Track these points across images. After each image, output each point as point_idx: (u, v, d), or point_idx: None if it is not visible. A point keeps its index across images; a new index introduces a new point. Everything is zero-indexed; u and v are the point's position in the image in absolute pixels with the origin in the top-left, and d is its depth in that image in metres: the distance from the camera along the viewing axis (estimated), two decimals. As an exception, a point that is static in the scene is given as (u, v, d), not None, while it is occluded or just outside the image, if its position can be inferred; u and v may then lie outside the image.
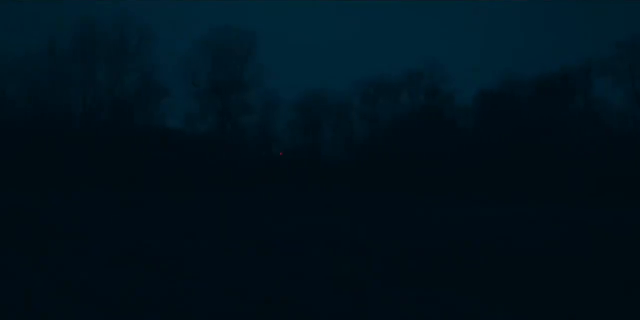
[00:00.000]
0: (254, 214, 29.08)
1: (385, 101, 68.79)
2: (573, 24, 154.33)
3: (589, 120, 60.15)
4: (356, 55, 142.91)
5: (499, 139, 64.94)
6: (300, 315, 9.17)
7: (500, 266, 13.82)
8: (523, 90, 67.74)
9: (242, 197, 43.79)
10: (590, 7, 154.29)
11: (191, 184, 56.17)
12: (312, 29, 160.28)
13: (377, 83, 68.16)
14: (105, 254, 15.03)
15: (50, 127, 58.20)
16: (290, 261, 14.16)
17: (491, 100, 69.14)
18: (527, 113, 65.88)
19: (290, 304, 9.86)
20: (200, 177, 57.59)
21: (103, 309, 9.40)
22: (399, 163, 65.67)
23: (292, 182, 60.99)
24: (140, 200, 37.76)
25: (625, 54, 55.68)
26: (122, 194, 43.39)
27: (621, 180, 53.03)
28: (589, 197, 48.52)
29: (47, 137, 57.32)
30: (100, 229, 20.38)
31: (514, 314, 9.49)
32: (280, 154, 65.11)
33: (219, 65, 60.24)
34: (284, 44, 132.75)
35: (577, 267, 13.85)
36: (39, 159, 56.33)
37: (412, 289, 11.11)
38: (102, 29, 59.31)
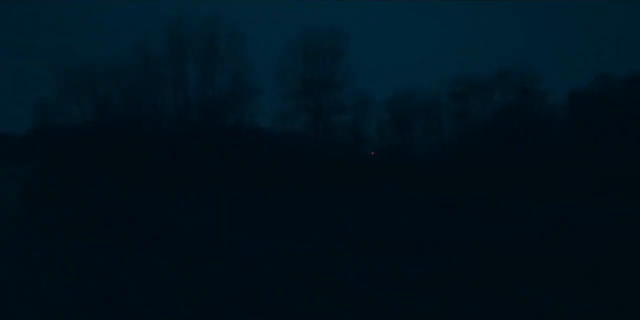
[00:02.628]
0: (351, 214, 28.47)
1: (475, 100, 67.31)
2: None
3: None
4: (445, 54, 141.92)
5: (592, 139, 63.27)
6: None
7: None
8: (615, 89, 65.90)
9: (335, 197, 43.15)
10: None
11: (283, 184, 55.74)
12: (401, 28, 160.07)
13: (467, 81, 66.75)
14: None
15: (142, 128, 58.57)
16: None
17: (583, 100, 67.60)
18: (619, 112, 64.15)
19: None
20: (292, 177, 57.11)
21: None
22: (490, 162, 64.31)
23: (383, 181, 60.11)
24: (233, 200, 37.85)
25: None
26: (214, 193, 43.41)
27: None
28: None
29: (140, 138, 57.66)
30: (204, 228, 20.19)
31: None
32: (372, 153, 64.27)
33: (311, 64, 59.60)
34: (375, 43, 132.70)
35: None
36: (132, 159, 56.72)
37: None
38: (193, 30, 59.27)
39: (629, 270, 12.53)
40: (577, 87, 68.32)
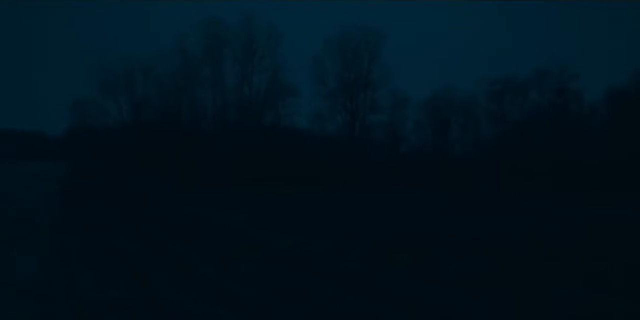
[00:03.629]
0: (388, 213, 28.31)
1: (511, 99, 66.83)
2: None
3: None
4: (481, 54, 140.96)
5: (632, 137, 62.56)
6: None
7: None
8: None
9: (371, 196, 43.04)
10: None
11: (319, 183, 55.66)
12: (436, 28, 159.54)
13: (504, 81, 66.28)
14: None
15: (180, 127, 58.88)
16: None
17: (621, 99, 66.82)
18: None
19: None
20: (328, 176, 57.03)
21: None
22: (527, 162, 63.84)
23: (420, 181, 59.82)
24: (270, 198, 37.68)
25: None
26: (252, 191, 43.48)
27: None
28: None
29: (177, 137, 57.96)
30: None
31: None
32: (408, 153, 64.07)
33: (347, 64, 59.44)
34: (411, 43, 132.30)
35: None
36: (169, 157, 57.05)
37: None
38: (231, 29, 59.40)
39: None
40: (614, 84, 67.40)
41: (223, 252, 15.00)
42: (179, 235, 18.13)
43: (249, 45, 59.05)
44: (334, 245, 16.33)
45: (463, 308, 9.79)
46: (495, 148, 65.33)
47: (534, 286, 11.17)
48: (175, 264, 13.48)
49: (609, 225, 24.18)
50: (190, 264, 13.35)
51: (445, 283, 11.61)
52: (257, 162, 56.16)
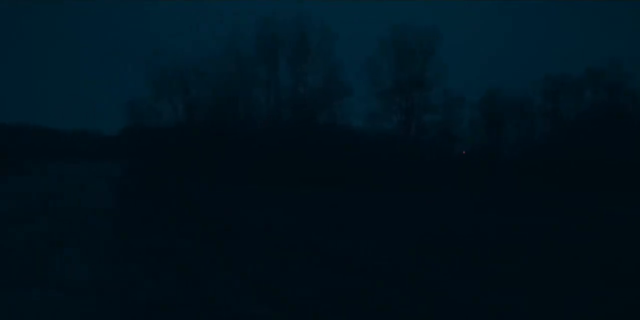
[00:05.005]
0: (444, 214, 27.98)
1: (566, 98, 66.13)
2: None
3: None
4: (534, 53, 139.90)
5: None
6: None
7: None
8: None
9: (426, 197, 42.70)
10: None
11: (374, 183, 55.45)
12: (491, 27, 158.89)
13: (558, 80, 65.65)
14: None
15: (234, 127, 59.09)
16: None
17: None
18: None
19: None
20: (383, 176, 56.79)
21: None
22: (581, 162, 63.00)
23: (473, 181, 59.31)
24: (326, 199, 37.68)
25: None
26: (307, 192, 43.40)
27: None
28: None
29: (232, 137, 58.17)
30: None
31: None
32: (463, 153, 63.59)
33: (402, 63, 59.19)
34: (465, 42, 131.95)
35: None
36: (224, 158, 57.26)
37: None
38: (284, 29, 59.44)
39: None
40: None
41: (272, 252, 14.91)
42: (229, 235, 18.12)
43: (303, 45, 59.06)
44: (383, 246, 16.25)
45: (516, 308, 9.60)
46: (550, 147, 64.66)
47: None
48: (223, 263, 13.46)
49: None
50: (239, 263, 13.28)
51: (498, 284, 11.44)
52: (310, 162, 56.16)
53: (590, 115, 66.44)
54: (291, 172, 55.89)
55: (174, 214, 25.71)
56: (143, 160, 65.76)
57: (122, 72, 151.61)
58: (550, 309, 9.70)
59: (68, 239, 17.13)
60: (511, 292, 10.86)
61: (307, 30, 59.13)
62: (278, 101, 59.08)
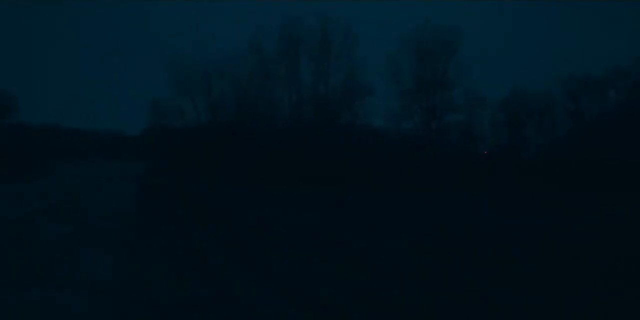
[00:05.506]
0: (466, 214, 27.86)
1: (589, 98, 65.63)
2: None
3: None
4: (556, 52, 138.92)
5: None
6: None
7: None
8: None
9: (448, 196, 42.55)
10: None
11: (396, 183, 55.39)
12: (513, 26, 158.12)
13: (581, 79, 65.19)
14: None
15: (257, 127, 59.29)
16: None
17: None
18: None
19: None
20: (405, 176, 56.70)
21: None
22: (604, 162, 62.47)
23: (495, 181, 59.05)
24: (348, 198, 37.63)
25: None
26: (329, 192, 43.44)
27: None
28: None
29: (254, 137, 58.37)
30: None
31: None
32: (485, 153, 63.35)
33: (424, 63, 59.08)
34: (487, 41, 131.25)
35: None
36: (246, 158, 57.46)
37: None
38: (306, 29, 59.57)
39: None
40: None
41: (297, 252, 14.95)
42: (254, 235, 18.17)
43: (325, 45, 59.17)
44: (407, 245, 16.28)
45: (542, 309, 9.63)
46: (572, 147, 64.22)
47: None
48: (249, 262, 13.52)
49: None
50: (264, 263, 13.35)
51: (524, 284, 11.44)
52: (332, 162, 56.22)
53: (613, 115, 65.93)
54: (313, 172, 55.99)
55: (197, 213, 25.85)
56: (165, 160, 66.18)
57: (145, 73, 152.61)
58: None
59: (93, 238, 17.33)
60: (528, 292, 10.87)
61: (329, 29, 59.28)
62: (300, 101, 59.22)
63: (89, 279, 11.74)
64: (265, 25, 67.78)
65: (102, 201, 32.41)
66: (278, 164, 56.47)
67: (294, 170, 56.09)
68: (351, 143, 56.91)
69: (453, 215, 27.02)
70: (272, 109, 59.84)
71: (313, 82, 59.29)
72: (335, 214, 26.99)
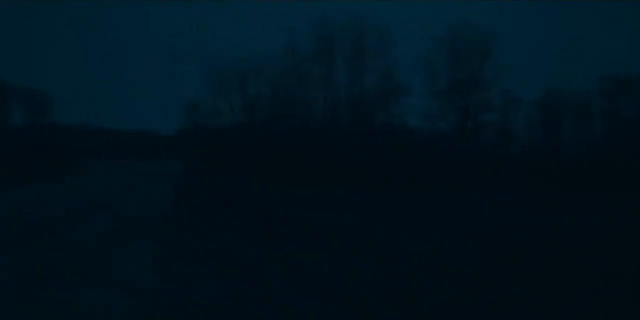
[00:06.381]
0: (503, 215, 27.67)
1: (626, 98, 65.14)
2: None
3: None
4: (593, 51, 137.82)
5: None
6: None
7: None
8: None
9: (484, 197, 42.34)
10: None
11: (431, 184, 55.31)
12: (548, 26, 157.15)
13: (617, 79, 64.66)
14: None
15: (292, 127, 59.53)
16: None
17: None
18: None
19: None
20: (440, 177, 56.61)
21: None
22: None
23: (531, 181, 58.81)
24: (383, 199, 37.62)
25: None
26: (364, 192, 43.43)
27: None
28: None
29: (290, 137, 58.61)
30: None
31: None
32: (519, 153, 63.14)
33: (458, 63, 58.98)
34: (522, 41, 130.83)
35: None
36: (281, 157, 57.72)
37: None
38: (341, 29, 59.69)
39: None
40: None
41: (334, 252, 15.00)
42: (290, 235, 18.23)
43: (360, 45, 59.26)
44: (442, 246, 16.26)
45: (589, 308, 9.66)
46: (608, 147, 63.78)
47: None
48: (286, 262, 13.64)
49: None
50: (301, 263, 13.45)
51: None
52: (368, 163, 56.29)
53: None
54: (348, 172, 56.12)
55: (234, 213, 25.83)
56: (200, 160, 66.69)
57: (181, 73, 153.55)
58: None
59: (130, 238, 17.49)
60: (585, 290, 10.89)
61: (364, 29, 59.35)
62: (335, 101, 59.41)
63: (127, 278, 11.86)
64: (300, 26, 67.99)
65: (137, 201, 32.58)
66: (313, 164, 56.66)
67: (329, 171, 56.26)
68: (386, 143, 56.95)
69: (488, 216, 26.89)
70: (307, 109, 60.07)
71: (348, 82, 59.41)
72: (371, 214, 26.98)
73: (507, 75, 64.00)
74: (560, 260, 14.33)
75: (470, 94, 59.48)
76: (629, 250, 16.52)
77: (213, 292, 10.64)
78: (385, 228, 20.92)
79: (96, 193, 37.72)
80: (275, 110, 60.47)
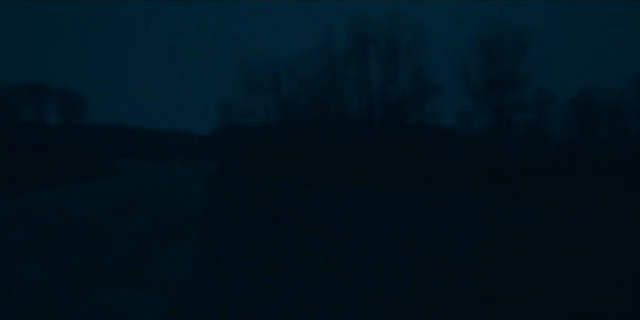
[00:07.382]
0: (536, 215, 27.23)
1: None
2: None
3: None
4: (628, 50, 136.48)
5: None
6: None
7: None
8: None
9: (517, 197, 42.09)
10: None
11: (465, 184, 55.26)
12: (581, 24, 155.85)
13: (653, 78, 64.14)
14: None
15: (326, 127, 59.85)
16: None
17: None
18: None
19: None
20: (474, 177, 56.54)
21: None
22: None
23: (565, 181, 58.47)
24: (417, 199, 37.45)
25: None
26: (400, 192, 43.31)
27: None
28: None
29: (324, 137, 58.93)
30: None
31: None
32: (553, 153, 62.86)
33: (492, 62, 58.87)
34: (557, 40, 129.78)
35: None
36: (316, 157, 58.03)
37: None
38: (376, 29, 59.96)
39: None
40: None
41: (369, 252, 15.03)
42: (324, 234, 18.34)
43: (394, 45, 59.45)
44: (480, 246, 16.26)
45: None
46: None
47: None
48: (321, 262, 13.75)
49: None
50: (336, 263, 13.48)
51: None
52: (403, 162, 56.39)
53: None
54: (384, 172, 56.27)
55: (269, 213, 25.97)
56: (235, 159, 67.25)
57: (218, 72, 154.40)
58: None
59: (165, 239, 17.68)
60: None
61: (399, 29, 59.54)
62: (369, 100, 59.68)
63: (162, 278, 11.99)
64: (335, 25, 68.22)
65: (172, 201, 32.78)
66: (348, 163, 56.92)
67: (365, 170, 56.48)
68: (421, 143, 57.06)
69: (524, 216, 26.59)
70: (342, 109, 60.39)
71: (382, 82, 59.63)
72: (406, 214, 26.93)
73: (541, 74, 63.83)
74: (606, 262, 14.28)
75: (504, 94, 59.31)
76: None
77: (245, 291, 10.71)
78: (419, 228, 20.91)
79: (132, 193, 38.06)
80: (310, 109, 60.79)
